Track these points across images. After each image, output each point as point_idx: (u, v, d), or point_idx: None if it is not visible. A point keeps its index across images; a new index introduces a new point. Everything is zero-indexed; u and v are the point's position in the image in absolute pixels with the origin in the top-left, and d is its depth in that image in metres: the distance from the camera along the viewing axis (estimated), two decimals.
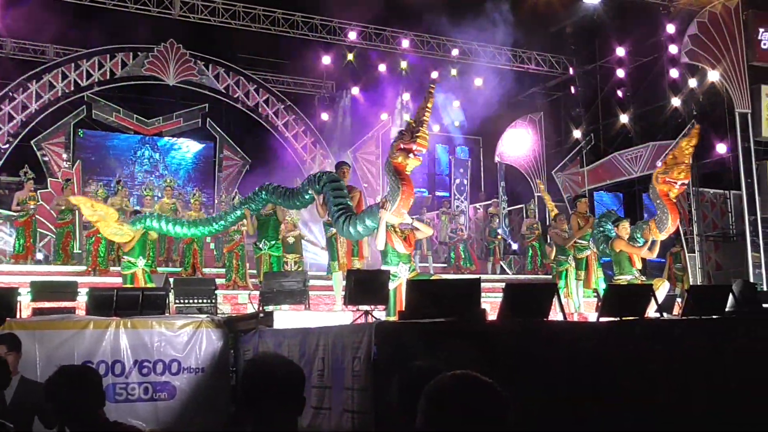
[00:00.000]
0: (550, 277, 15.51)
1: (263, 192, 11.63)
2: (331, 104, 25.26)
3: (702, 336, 7.35)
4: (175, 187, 18.13)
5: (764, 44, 18.32)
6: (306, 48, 22.03)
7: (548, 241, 16.19)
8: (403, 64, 23.37)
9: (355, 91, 24.25)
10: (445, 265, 19.38)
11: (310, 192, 10.72)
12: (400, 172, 9.15)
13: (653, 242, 11.51)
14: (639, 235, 11.99)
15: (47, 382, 3.51)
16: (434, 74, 23.95)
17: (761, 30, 18.32)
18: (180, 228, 12.36)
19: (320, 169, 22.87)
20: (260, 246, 12.40)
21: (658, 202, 11.58)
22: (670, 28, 19.36)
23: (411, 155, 8.99)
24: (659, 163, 13.35)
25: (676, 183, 11.31)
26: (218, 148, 24.52)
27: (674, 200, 11.58)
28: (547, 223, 19.11)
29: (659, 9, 19.36)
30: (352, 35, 21.42)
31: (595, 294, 12.55)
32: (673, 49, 19.23)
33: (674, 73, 19.37)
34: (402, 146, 9.02)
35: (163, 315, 9.62)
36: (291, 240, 14.20)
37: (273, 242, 12.40)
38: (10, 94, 20.35)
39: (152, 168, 24.05)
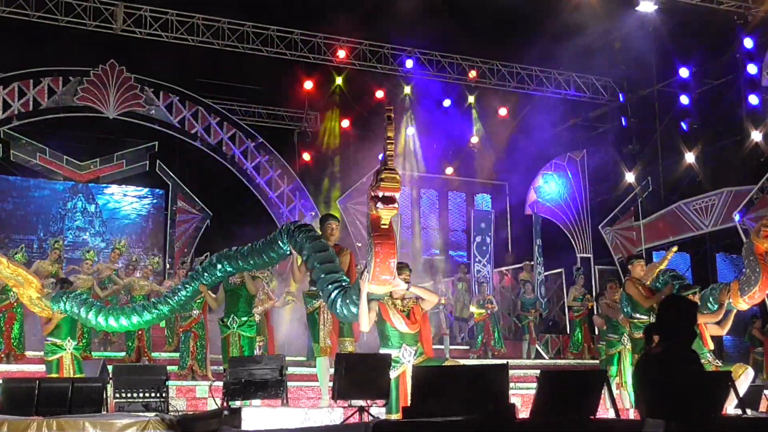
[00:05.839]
0: (598, 362, 15.45)
1: (222, 263, 11.50)
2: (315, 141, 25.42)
3: None
4: (122, 250, 17.90)
5: None
6: (283, 70, 22.26)
7: (597, 311, 16.14)
8: (407, 90, 23.60)
9: (345, 124, 24.41)
10: (467, 347, 19.30)
11: (286, 244, 10.66)
12: (376, 227, 8.65)
13: (727, 312, 11.50)
14: (712, 300, 11.92)
15: None
16: (447, 102, 24.20)
17: None
18: (106, 319, 11.64)
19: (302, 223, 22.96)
20: (228, 323, 12.29)
21: (751, 259, 11.47)
22: (748, 43, 19.51)
23: (380, 204, 8.47)
24: None
25: None
26: (171, 198, 24.56)
27: None
28: (596, 292, 19.11)
29: (734, 18, 19.50)
30: (342, 53, 21.63)
31: None
32: (752, 69, 19.37)
33: (754, 99, 19.49)
34: (372, 194, 8.56)
35: (100, 413, 9.57)
36: (257, 318, 13.76)
37: (245, 319, 12.18)
38: None
39: (87, 224, 24.06)
